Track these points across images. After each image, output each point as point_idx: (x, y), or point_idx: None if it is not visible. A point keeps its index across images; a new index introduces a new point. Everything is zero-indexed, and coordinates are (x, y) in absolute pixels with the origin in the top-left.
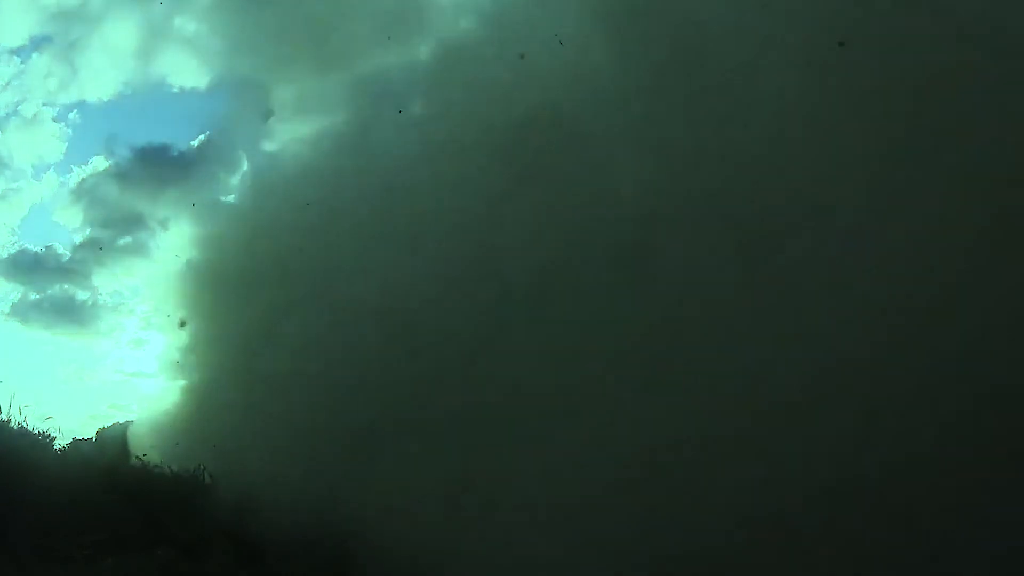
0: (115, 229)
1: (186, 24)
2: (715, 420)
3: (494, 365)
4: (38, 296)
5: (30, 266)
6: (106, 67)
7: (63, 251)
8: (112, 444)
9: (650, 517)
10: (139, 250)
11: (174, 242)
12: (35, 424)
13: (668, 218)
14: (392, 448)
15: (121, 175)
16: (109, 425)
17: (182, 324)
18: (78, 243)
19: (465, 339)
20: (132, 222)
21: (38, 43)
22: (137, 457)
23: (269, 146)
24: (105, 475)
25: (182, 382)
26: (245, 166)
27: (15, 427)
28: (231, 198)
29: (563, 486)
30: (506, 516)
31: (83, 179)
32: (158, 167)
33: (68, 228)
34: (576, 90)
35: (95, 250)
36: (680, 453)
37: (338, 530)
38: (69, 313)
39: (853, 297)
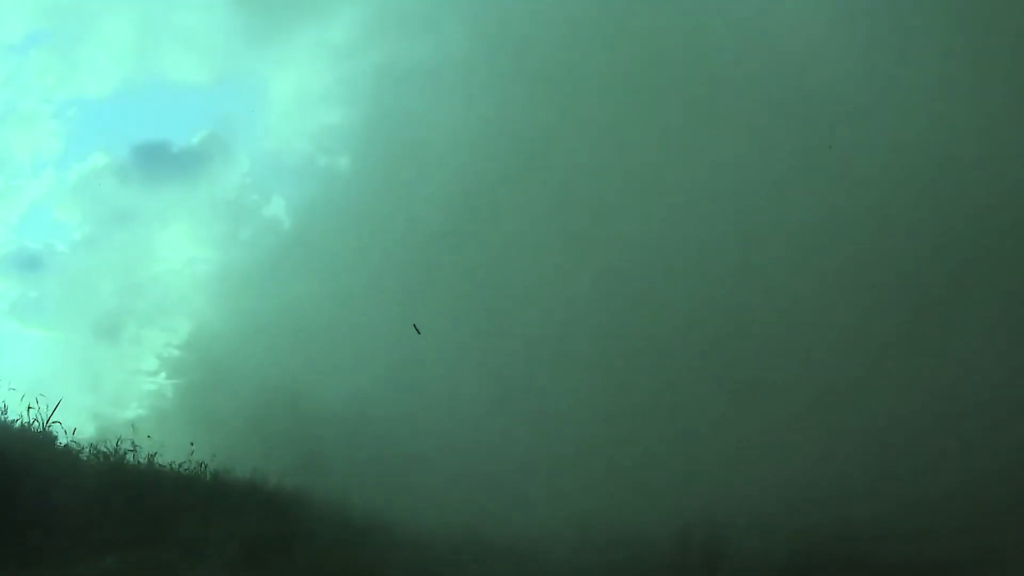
0: (114, 225)
1: (186, 19)
2: None
3: None
4: (37, 294)
5: (29, 264)
6: (105, 62)
7: (62, 248)
8: (113, 442)
9: None
10: (139, 247)
11: (175, 239)
12: (36, 423)
13: None
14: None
15: (121, 172)
16: (110, 423)
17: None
18: (77, 240)
19: None
20: (132, 218)
21: (36, 39)
22: (138, 456)
23: (270, 143)
24: (106, 473)
25: (181, 380)
26: (246, 163)
27: (16, 426)
28: (232, 195)
29: None
30: None
31: (82, 176)
32: (158, 164)
33: (67, 225)
34: None
35: (94, 247)
36: None
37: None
38: (68, 311)
39: None
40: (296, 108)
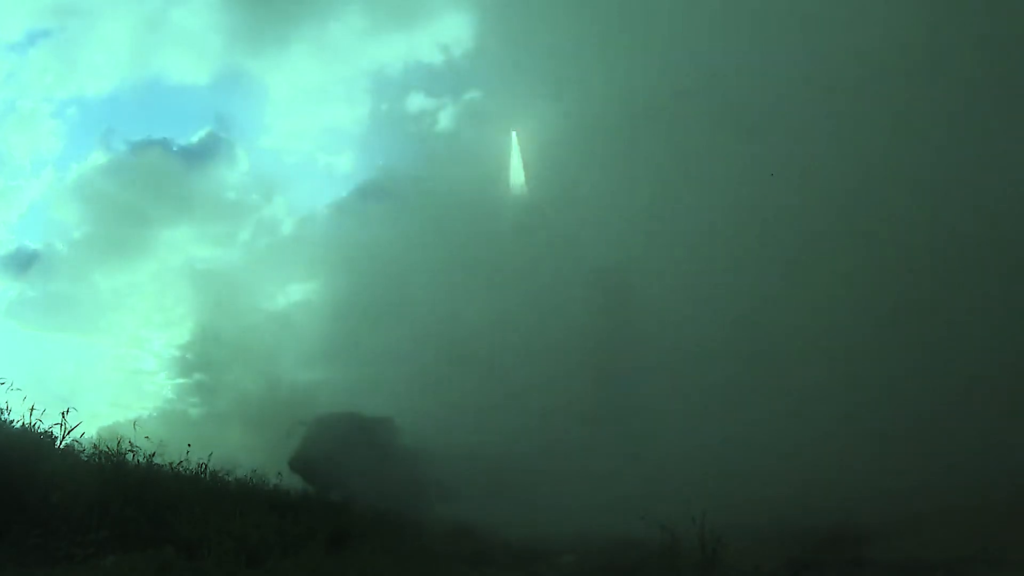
0: (114, 225)
1: (185, 18)
2: None
3: None
4: (36, 294)
5: (28, 263)
6: (104, 62)
7: (61, 247)
8: (113, 442)
9: None
10: (138, 246)
11: (174, 238)
12: (37, 423)
13: None
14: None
15: (120, 171)
16: (110, 423)
17: None
18: (77, 239)
19: None
20: (131, 218)
21: (35, 38)
22: (138, 456)
23: (270, 142)
24: (106, 474)
25: (181, 380)
26: (246, 163)
27: (16, 426)
28: (232, 195)
29: None
30: None
31: (82, 175)
32: (158, 163)
33: (66, 224)
34: None
35: (94, 247)
36: None
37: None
38: (68, 311)
39: None
40: (296, 108)
